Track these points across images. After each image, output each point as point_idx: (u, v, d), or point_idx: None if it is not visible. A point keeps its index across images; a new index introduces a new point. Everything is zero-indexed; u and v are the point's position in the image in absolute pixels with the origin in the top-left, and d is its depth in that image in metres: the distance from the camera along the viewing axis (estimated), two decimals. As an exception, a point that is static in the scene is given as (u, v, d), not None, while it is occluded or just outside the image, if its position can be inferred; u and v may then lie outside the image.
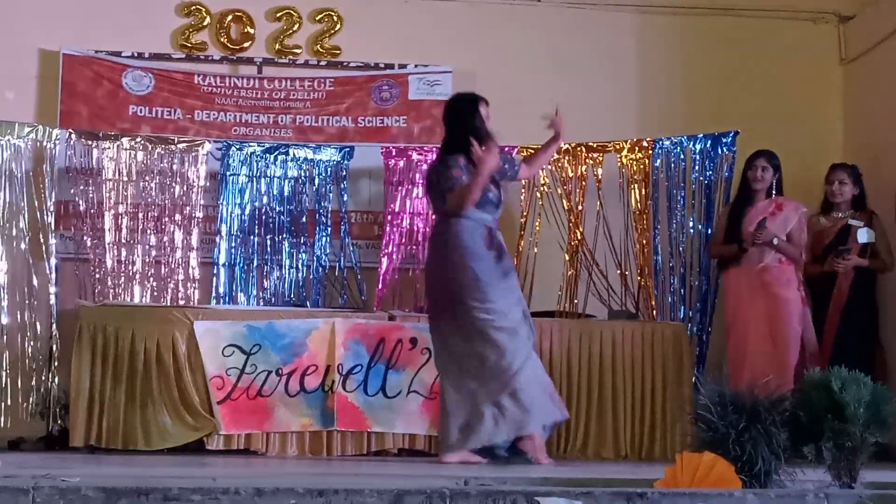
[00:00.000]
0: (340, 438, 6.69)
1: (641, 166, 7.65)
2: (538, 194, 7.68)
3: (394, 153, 7.82)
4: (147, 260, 7.57)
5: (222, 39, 8.14)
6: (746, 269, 6.97)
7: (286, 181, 7.76)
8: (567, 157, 7.70)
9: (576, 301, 7.52)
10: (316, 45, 8.20)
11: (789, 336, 6.82)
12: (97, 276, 7.48)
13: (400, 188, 7.75)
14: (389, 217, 7.72)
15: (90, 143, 7.56)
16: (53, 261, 7.44)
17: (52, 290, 7.43)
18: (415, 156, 7.78)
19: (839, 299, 7.08)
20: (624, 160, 7.68)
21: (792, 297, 6.88)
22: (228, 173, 7.68)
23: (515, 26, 8.29)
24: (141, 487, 3.09)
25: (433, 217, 6.45)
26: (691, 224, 7.63)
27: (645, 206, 7.62)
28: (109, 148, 7.57)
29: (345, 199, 7.79)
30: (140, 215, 7.59)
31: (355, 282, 7.75)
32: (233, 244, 7.67)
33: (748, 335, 6.88)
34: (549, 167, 7.68)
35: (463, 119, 5.99)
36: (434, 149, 7.00)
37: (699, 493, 3.31)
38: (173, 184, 7.61)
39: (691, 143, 7.67)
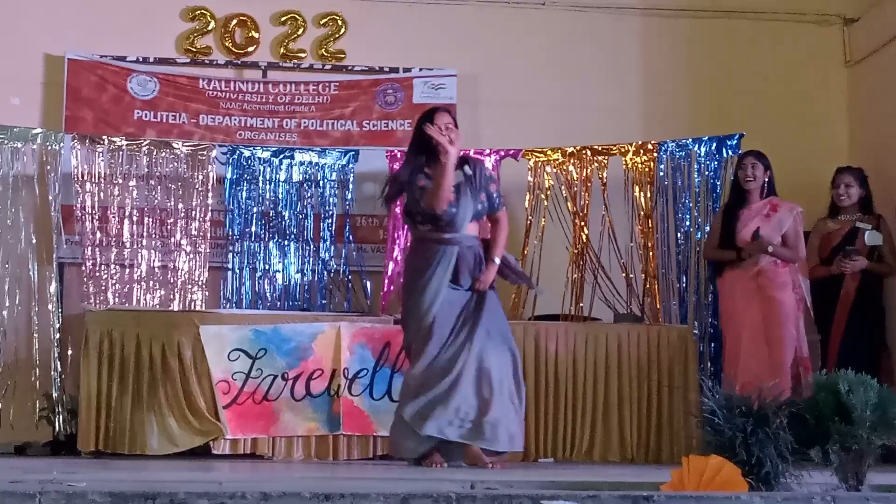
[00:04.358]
0: (346, 442, 6.69)
1: (646, 169, 7.63)
2: (543, 197, 7.67)
3: (399, 157, 7.80)
4: (153, 264, 7.57)
5: (227, 44, 8.15)
6: (742, 272, 6.88)
7: (291, 185, 7.76)
8: (572, 160, 7.69)
9: (581, 304, 7.51)
10: (320, 50, 8.21)
11: (785, 339, 6.74)
12: (103, 280, 7.49)
13: (405, 191, 7.74)
14: (394, 221, 7.72)
15: (95, 147, 7.57)
16: (59, 265, 7.46)
17: (59, 294, 7.45)
18: (420, 159, 7.77)
19: (846, 302, 7.05)
20: (629, 163, 7.67)
21: (787, 300, 6.80)
22: (234, 177, 7.68)
23: (520, 29, 8.30)
24: (147, 492, 3.09)
25: None
26: (697, 226, 7.61)
27: (650, 208, 7.60)
28: (115, 152, 7.58)
29: (350, 202, 7.80)
30: (146, 220, 7.60)
31: (360, 285, 7.75)
32: (238, 248, 7.67)
33: (743, 338, 6.83)
34: (555, 170, 7.68)
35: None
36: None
37: (706, 496, 3.30)
38: (179, 188, 7.62)
39: (696, 145, 7.64)
